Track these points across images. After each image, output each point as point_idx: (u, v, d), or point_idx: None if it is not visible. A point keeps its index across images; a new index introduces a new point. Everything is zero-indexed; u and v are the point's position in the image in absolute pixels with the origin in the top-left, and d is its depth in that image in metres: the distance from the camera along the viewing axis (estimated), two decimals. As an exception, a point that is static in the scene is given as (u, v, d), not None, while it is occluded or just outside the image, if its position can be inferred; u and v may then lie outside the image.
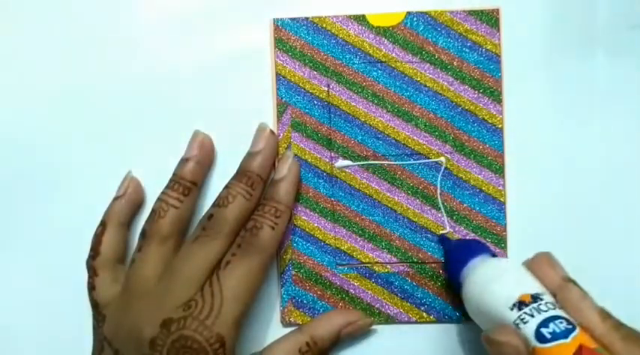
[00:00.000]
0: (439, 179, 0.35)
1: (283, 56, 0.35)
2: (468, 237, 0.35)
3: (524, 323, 0.27)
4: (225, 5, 0.35)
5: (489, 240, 0.35)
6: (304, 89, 0.35)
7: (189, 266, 0.31)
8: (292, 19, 0.35)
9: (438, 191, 0.35)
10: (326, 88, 0.35)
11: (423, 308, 0.35)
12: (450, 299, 0.34)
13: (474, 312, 0.30)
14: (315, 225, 0.35)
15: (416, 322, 0.35)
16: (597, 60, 0.35)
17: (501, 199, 0.35)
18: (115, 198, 0.34)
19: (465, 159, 0.35)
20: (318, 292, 0.35)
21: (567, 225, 0.35)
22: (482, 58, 0.35)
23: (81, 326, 0.34)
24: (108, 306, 0.33)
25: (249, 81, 0.35)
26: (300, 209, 0.35)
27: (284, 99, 0.35)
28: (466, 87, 0.35)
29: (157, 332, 0.30)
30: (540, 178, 0.35)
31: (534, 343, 0.26)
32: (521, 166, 0.35)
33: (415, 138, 0.35)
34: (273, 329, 0.35)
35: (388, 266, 0.35)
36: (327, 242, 0.35)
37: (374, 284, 0.35)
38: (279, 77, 0.35)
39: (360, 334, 0.34)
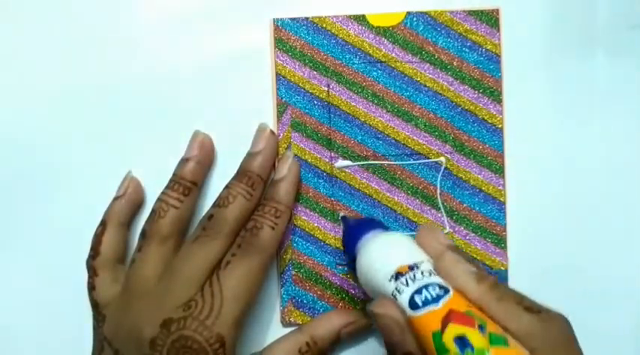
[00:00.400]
0: (439, 179, 0.35)
1: (283, 56, 0.35)
2: (465, 233, 0.35)
3: (400, 293, 0.27)
4: (225, 5, 0.35)
5: (489, 240, 0.35)
6: (304, 89, 0.35)
7: (190, 266, 0.31)
8: (292, 19, 0.35)
9: (438, 191, 0.35)
10: (326, 88, 0.35)
11: (422, 308, 0.35)
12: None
13: (365, 288, 0.30)
14: (315, 225, 0.35)
15: (416, 322, 0.35)
16: (597, 60, 0.35)
17: (501, 199, 0.35)
18: (115, 198, 0.34)
19: (464, 159, 0.35)
20: (318, 292, 0.35)
21: (567, 225, 0.35)
22: (482, 58, 0.35)
23: (81, 326, 0.34)
24: (108, 306, 0.33)
25: (249, 81, 0.35)
26: (300, 209, 0.35)
27: (284, 99, 0.35)
28: (466, 87, 0.35)
29: (157, 332, 0.30)
30: (540, 178, 0.35)
31: (409, 312, 0.26)
32: (521, 166, 0.35)
33: (415, 138, 0.35)
34: (273, 329, 0.35)
35: (388, 266, 0.35)
36: (327, 242, 0.35)
37: (374, 284, 0.35)
38: (279, 77, 0.35)
39: (360, 334, 0.34)
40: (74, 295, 0.35)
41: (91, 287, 0.33)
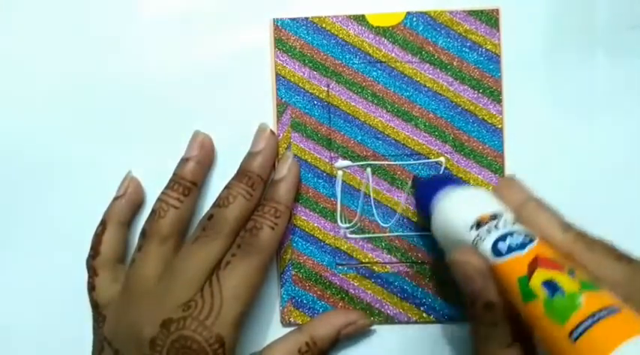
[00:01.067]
0: (439, 179, 0.35)
1: (283, 56, 0.35)
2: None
3: (482, 241, 0.26)
4: (225, 5, 0.35)
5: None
6: (304, 89, 0.35)
7: (190, 266, 0.31)
8: (292, 19, 0.35)
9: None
10: (326, 88, 0.35)
11: (422, 308, 0.35)
12: (449, 298, 0.34)
13: (441, 242, 0.30)
14: (315, 225, 0.35)
15: (415, 322, 0.35)
16: (597, 60, 0.35)
17: (501, 199, 0.35)
18: (115, 198, 0.34)
19: (464, 159, 0.35)
20: (318, 292, 0.35)
21: (567, 225, 0.35)
22: (481, 58, 0.35)
23: (81, 326, 0.34)
24: (108, 306, 0.33)
25: (249, 81, 0.35)
26: (300, 209, 0.35)
27: (284, 99, 0.35)
28: (466, 87, 0.35)
29: (156, 332, 0.30)
30: (540, 178, 0.35)
31: (492, 259, 0.26)
32: (520, 166, 0.35)
33: (415, 138, 0.35)
34: (273, 329, 0.35)
35: (388, 266, 0.35)
36: (327, 242, 0.35)
37: (373, 284, 0.35)
38: (279, 77, 0.35)
39: (360, 334, 0.34)
40: (74, 295, 0.35)
41: (91, 287, 0.33)
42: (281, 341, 0.33)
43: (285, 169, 0.33)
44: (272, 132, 0.34)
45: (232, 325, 0.30)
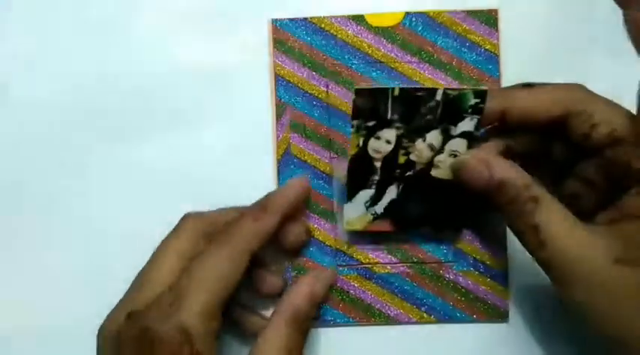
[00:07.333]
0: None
1: (282, 57, 0.35)
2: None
3: None
4: (225, 6, 0.35)
5: (489, 239, 0.35)
6: (303, 90, 0.35)
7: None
8: (291, 20, 0.35)
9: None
10: (325, 89, 0.35)
11: (423, 309, 0.35)
12: (449, 299, 0.34)
13: None
14: (315, 226, 0.35)
15: (416, 322, 0.35)
16: (597, 60, 0.35)
17: (501, 199, 0.35)
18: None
19: (464, 159, 0.35)
20: (318, 293, 0.35)
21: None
22: (480, 58, 0.35)
23: (82, 326, 0.34)
24: None
25: (248, 81, 0.35)
26: (299, 210, 0.35)
27: (283, 99, 0.35)
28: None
29: (122, 324, 0.29)
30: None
31: None
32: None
33: (414, 138, 0.35)
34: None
35: (388, 266, 0.35)
36: (326, 243, 0.35)
37: (374, 285, 0.35)
38: (278, 78, 0.35)
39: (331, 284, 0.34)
40: (74, 295, 0.35)
41: None
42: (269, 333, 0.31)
43: (289, 181, 0.33)
44: (306, 181, 0.34)
45: (200, 315, 0.28)
